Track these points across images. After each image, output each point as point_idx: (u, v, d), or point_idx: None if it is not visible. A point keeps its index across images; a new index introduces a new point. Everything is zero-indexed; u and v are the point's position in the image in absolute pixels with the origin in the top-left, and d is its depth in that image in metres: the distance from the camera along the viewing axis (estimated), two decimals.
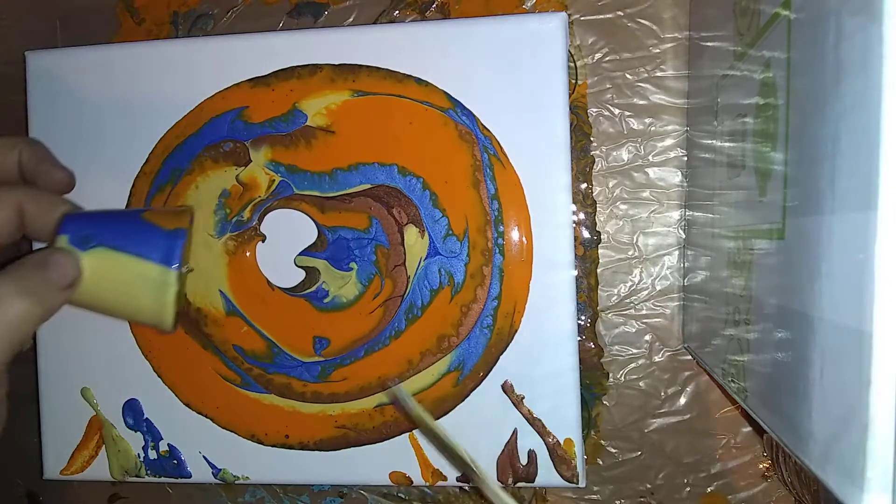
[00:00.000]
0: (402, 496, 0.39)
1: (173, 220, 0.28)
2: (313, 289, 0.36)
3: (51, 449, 0.38)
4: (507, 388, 0.35)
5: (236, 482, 0.37)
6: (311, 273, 0.36)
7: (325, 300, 0.36)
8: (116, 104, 0.37)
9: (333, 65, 0.35)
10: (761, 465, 0.36)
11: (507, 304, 0.35)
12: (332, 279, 0.36)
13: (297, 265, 0.36)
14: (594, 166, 0.37)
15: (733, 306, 0.26)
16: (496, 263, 0.35)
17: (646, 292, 0.37)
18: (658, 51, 0.36)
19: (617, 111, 0.36)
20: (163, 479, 0.38)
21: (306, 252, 0.36)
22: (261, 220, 0.36)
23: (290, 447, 0.36)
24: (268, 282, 0.36)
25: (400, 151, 0.35)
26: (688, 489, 0.37)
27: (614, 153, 0.37)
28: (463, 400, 0.35)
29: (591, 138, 0.37)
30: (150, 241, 0.28)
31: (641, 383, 0.37)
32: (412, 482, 0.36)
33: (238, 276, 0.37)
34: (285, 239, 0.36)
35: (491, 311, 0.35)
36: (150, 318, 0.28)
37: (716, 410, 0.36)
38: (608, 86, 0.36)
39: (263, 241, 0.36)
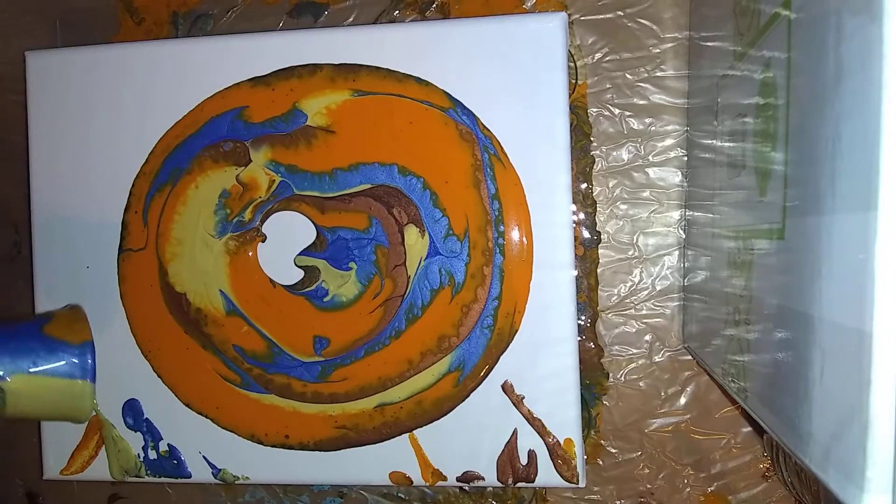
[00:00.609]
0: (402, 496, 0.39)
1: (77, 333, 0.31)
2: (313, 287, 0.36)
3: (51, 449, 0.38)
4: (507, 388, 0.35)
5: (236, 482, 0.37)
6: (311, 272, 0.36)
7: (325, 299, 0.36)
8: (116, 104, 0.37)
9: (333, 64, 0.35)
10: (761, 466, 0.36)
11: (508, 304, 0.35)
12: (332, 278, 0.36)
13: (296, 265, 0.36)
14: (594, 166, 0.37)
15: (733, 306, 0.26)
16: (497, 263, 0.34)
17: (646, 292, 0.37)
18: (658, 51, 0.36)
19: (617, 111, 0.36)
20: (163, 479, 0.38)
21: (306, 252, 0.36)
22: (263, 221, 0.36)
23: (290, 447, 0.36)
24: (270, 280, 0.36)
25: (400, 151, 0.35)
26: (688, 489, 0.37)
27: (614, 153, 0.36)
28: (463, 400, 0.35)
29: (591, 138, 0.37)
30: (64, 359, 0.30)
31: (641, 383, 0.37)
32: (412, 482, 0.36)
33: (239, 276, 0.37)
34: (285, 239, 0.36)
35: (491, 312, 0.35)
36: (69, 418, 0.31)
37: (716, 410, 0.36)
38: (608, 86, 0.36)
39: (264, 241, 0.36)
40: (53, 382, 0.29)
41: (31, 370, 0.29)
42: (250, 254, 0.36)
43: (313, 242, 0.36)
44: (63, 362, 0.30)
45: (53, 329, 0.30)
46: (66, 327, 0.31)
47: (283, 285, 0.36)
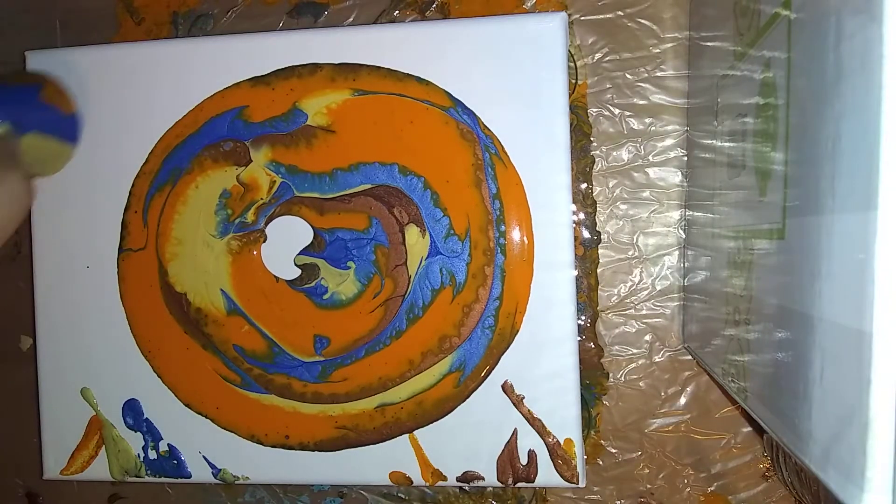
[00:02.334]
0: (402, 496, 0.39)
1: (67, 102, 0.35)
2: (313, 284, 0.36)
3: (51, 449, 0.38)
4: (507, 389, 0.35)
5: (236, 482, 0.37)
6: (311, 269, 0.36)
7: (325, 297, 0.36)
8: (116, 104, 0.37)
9: (333, 64, 0.35)
10: (761, 466, 0.36)
11: (509, 305, 0.35)
12: (330, 276, 0.36)
13: (296, 265, 0.36)
14: (594, 166, 0.37)
15: (733, 306, 0.26)
16: (498, 263, 0.34)
17: (646, 292, 0.37)
18: (658, 51, 0.36)
19: (617, 111, 0.36)
20: (163, 479, 0.38)
21: (304, 252, 0.36)
22: (266, 223, 0.36)
23: (290, 447, 0.36)
24: (273, 276, 0.36)
25: (401, 151, 0.35)
26: (688, 489, 0.37)
27: (614, 153, 0.37)
28: (464, 401, 0.35)
29: (591, 138, 0.37)
30: (63, 125, 0.35)
31: (641, 383, 0.37)
32: (412, 482, 0.36)
33: (241, 275, 0.37)
34: (286, 239, 0.36)
35: (493, 312, 0.35)
36: (42, 173, 0.36)
37: (716, 410, 0.36)
38: (608, 86, 0.36)
39: (265, 241, 0.36)
40: (50, 144, 0.34)
41: (35, 129, 0.33)
42: (254, 253, 0.36)
43: (311, 243, 0.36)
44: (58, 128, 0.35)
45: (48, 97, 0.34)
46: (58, 94, 0.35)
47: (284, 280, 0.36)
